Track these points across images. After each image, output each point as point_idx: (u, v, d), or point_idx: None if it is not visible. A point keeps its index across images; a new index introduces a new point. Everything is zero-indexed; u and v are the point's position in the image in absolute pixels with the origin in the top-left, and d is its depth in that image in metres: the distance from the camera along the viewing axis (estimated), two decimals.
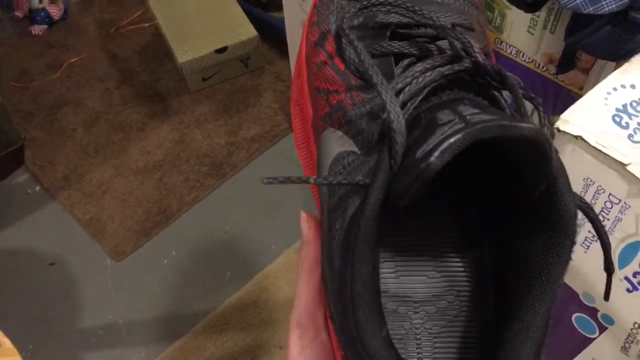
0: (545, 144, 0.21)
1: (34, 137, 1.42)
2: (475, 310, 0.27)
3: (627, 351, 0.54)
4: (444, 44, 0.28)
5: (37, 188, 1.35)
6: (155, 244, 1.26)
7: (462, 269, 0.28)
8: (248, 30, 1.46)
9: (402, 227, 0.29)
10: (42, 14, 1.62)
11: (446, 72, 0.24)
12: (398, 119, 0.23)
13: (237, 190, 1.33)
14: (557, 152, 0.23)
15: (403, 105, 0.24)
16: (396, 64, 0.27)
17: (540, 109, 0.25)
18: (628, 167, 0.50)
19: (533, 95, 0.26)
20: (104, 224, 1.29)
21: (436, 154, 0.21)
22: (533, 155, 0.22)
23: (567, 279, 0.53)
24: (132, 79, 1.54)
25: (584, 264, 0.52)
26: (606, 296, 0.29)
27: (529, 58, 0.78)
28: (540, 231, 0.23)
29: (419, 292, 0.28)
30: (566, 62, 0.71)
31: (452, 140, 0.21)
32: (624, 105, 0.55)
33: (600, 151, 0.52)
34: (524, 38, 0.76)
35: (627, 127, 0.53)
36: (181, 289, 1.19)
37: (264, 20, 1.50)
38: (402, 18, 0.28)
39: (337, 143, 0.27)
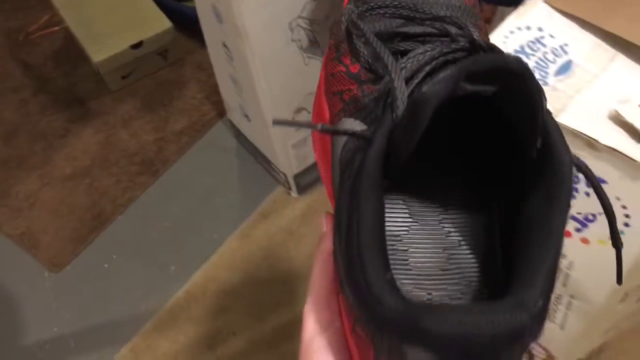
0: (531, 79, 0.23)
1: None
2: (484, 262, 0.29)
3: None
4: (445, 38, 0.29)
5: None
6: (93, 250, 1.23)
7: (470, 224, 0.30)
8: (162, 23, 1.43)
9: (411, 188, 0.31)
10: None
11: (445, 50, 0.26)
12: (399, 79, 0.25)
13: (171, 185, 1.31)
14: (550, 112, 0.24)
15: (406, 82, 0.25)
16: None
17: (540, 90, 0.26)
18: None
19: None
20: (37, 237, 1.24)
21: (429, 84, 0.22)
22: (524, 104, 0.23)
23: None
24: (48, 85, 1.49)
25: None
26: (619, 278, 0.30)
27: None
28: (539, 186, 0.24)
29: (430, 244, 0.29)
30: None
31: (442, 74, 0.22)
32: (521, 46, 0.57)
33: None
34: None
35: None
36: (126, 291, 1.17)
37: (178, 10, 1.47)
38: (405, 22, 0.30)
39: (350, 127, 0.29)
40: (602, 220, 0.56)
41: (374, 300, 0.22)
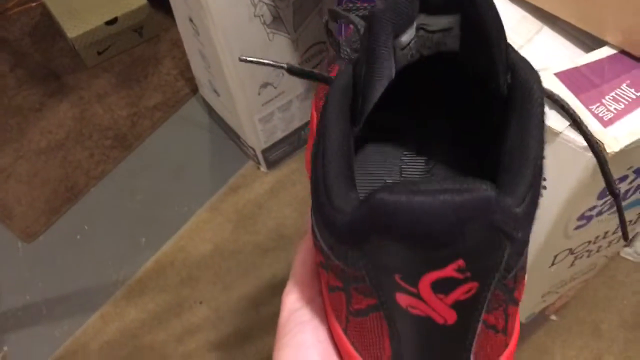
0: (486, 5, 0.23)
1: None
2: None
3: None
4: None
5: None
6: (66, 221, 1.26)
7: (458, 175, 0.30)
8: (137, 0, 1.45)
9: (401, 146, 0.32)
10: None
11: None
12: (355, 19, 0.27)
13: (144, 159, 1.34)
14: (514, 50, 0.25)
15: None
16: None
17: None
18: None
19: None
20: (11, 208, 1.27)
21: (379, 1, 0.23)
22: (485, 35, 0.24)
23: None
24: (24, 61, 1.51)
25: None
26: (624, 235, 0.29)
27: None
28: (514, 115, 0.24)
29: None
30: None
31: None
32: None
33: None
34: None
35: None
36: (97, 261, 1.20)
37: None
38: None
39: None
40: None
41: (334, 213, 0.22)
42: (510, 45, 0.24)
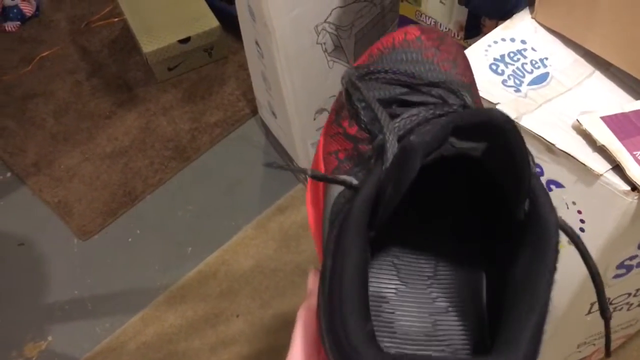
0: (515, 134, 0.23)
1: (6, 127, 1.48)
2: (471, 329, 0.28)
3: None
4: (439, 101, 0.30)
5: (8, 174, 1.41)
6: (120, 224, 1.32)
7: (458, 289, 0.30)
8: (210, 21, 1.52)
9: (400, 249, 0.31)
10: (15, 10, 1.68)
11: (438, 112, 0.27)
12: (391, 134, 0.25)
13: (200, 172, 1.39)
14: (538, 177, 0.25)
15: (400, 140, 0.26)
16: None
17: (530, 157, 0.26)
18: (497, 107, 0.57)
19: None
20: (71, 206, 1.34)
21: (417, 133, 0.23)
22: (511, 162, 0.24)
23: None
24: (101, 70, 1.60)
25: None
26: (607, 351, 0.29)
27: (445, 27, 0.84)
28: (526, 246, 0.24)
29: (416, 309, 0.29)
30: (472, 27, 0.77)
31: (430, 125, 0.24)
32: (502, 56, 0.61)
33: None
34: (438, 9, 0.83)
35: (502, 74, 0.60)
36: (144, 264, 1.25)
37: (227, 12, 1.56)
38: (403, 88, 0.31)
39: (340, 188, 0.29)
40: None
41: (351, 350, 0.21)
42: (535, 174, 0.25)
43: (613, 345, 0.89)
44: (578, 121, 0.54)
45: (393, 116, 0.28)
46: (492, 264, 0.29)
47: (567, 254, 0.61)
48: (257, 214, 1.30)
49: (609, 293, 0.66)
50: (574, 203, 0.55)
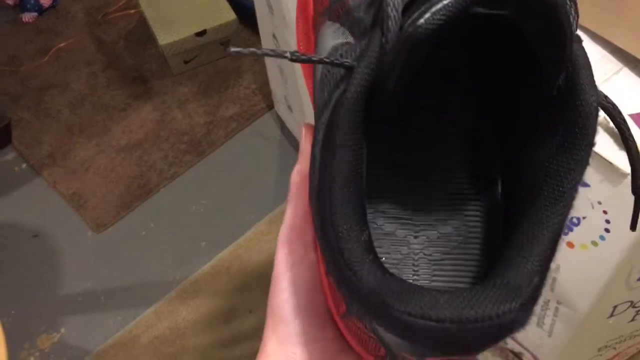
0: (561, 9, 0.18)
1: (21, 118, 1.48)
2: (484, 238, 0.25)
3: None
4: None
5: (24, 165, 1.41)
6: (134, 217, 1.31)
7: (471, 192, 0.25)
8: (227, 14, 1.51)
9: (408, 142, 0.27)
10: (32, 1, 1.68)
11: None
12: None
13: (214, 166, 1.38)
14: (580, 40, 0.20)
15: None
16: None
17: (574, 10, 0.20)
18: None
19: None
20: (86, 198, 1.34)
21: (427, 15, 0.18)
22: (550, 30, 0.19)
23: None
24: (117, 62, 1.59)
25: None
26: (633, 224, 0.25)
27: None
28: (554, 133, 0.20)
29: (421, 214, 0.25)
30: None
31: (445, 1, 0.18)
32: None
33: None
34: None
35: None
36: (158, 258, 1.24)
37: (244, 5, 1.55)
38: None
39: (333, 36, 0.24)
40: (585, 224, 0.57)
41: (346, 267, 0.19)
42: (578, 37, 0.19)
43: (633, 351, 0.87)
44: (605, 118, 0.52)
45: None
46: (509, 151, 0.24)
47: (589, 256, 0.59)
48: (271, 209, 1.29)
49: (633, 296, 0.64)
50: (599, 203, 0.54)
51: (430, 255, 0.25)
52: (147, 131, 1.44)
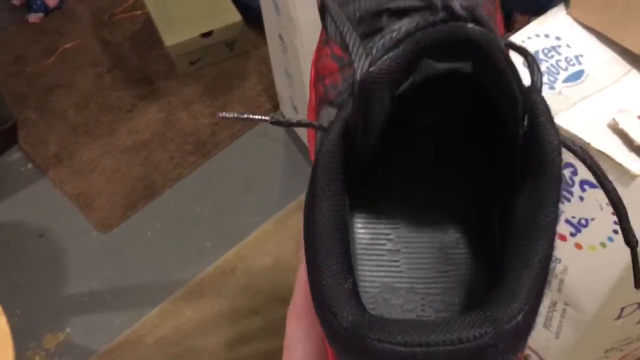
0: (508, 73, 0.20)
1: (28, 118, 1.49)
2: (473, 285, 0.25)
3: None
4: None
5: (30, 166, 1.41)
6: (140, 217, 1.31)
7: (462, 241, 0.26)
8: (233, 16, 1.51)
9: (397, 194, 0.28)
10: (39, 2, 1.68)
11: (420, 24, 0.21)
12: (360, 60, 0.21)
13: (219, 167, 1.38)
14: (539, 90, 0.22)
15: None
16: None
17: (534, 64, 0.23)
18: None
19: (524, 49, 0.24)
20: (92, 198, 1.34)
21: (377, 63, 0.20)
22: (498, 81, 0.21)
23: None
24: (123, 63, 1.60)
25: None
26: (636, 282, 0.25)
27: None
28: (526, 176, 0.21)
29: (411, 263, 0.26)
30: (505, 24, 0.75)
31: (393, 51, 0.20)
32: (536, 52, 0.60)
33: None
34: None
35: None
36: (163, 258, 1.25)
37: (250, 7, 1.55)
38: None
39: (327, 118, 0.25)
40: (594, 226, 0.57)
41: (328, 312, 0.20)
42: (538, 91, 0.21)
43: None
44: (615, 120, 0.52)
45: (374, 33, 0.24)
46: (495, 199, 0.25)
47: (597, 257, 0.59)
48: (277, 210, 1.29)
49: None
50: (608, 204, 0.54)
51: (423, 304, 0.25)
52: (152, 132, 1.45)
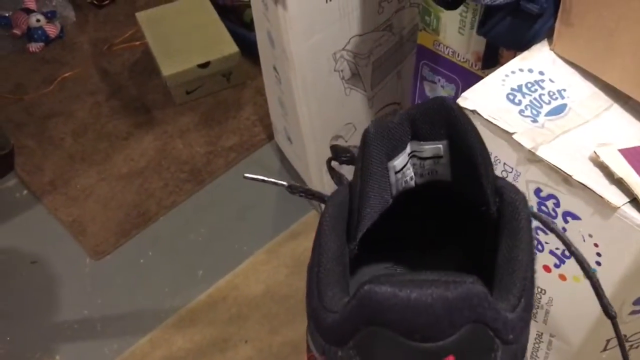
0: (484, 180, 0.26)
1: (25, 146, 1.50)
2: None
3: None
4: None
5: (25, 192, 1.42)
6: (133, 245, 1.32)
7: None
8: (230, 47, 1.54)
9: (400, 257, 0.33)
10: (40, 32, 1.71)
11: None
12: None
13: (214, 195, 1.39)
14: (503, 177, 0.28)
15: None
16: None
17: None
18: (514, 136, 0.56)
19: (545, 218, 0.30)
20: (86, 225, 1.35)
21: (373, 123, 0.27)
22: (473, 182, 0.26)
23: None
24: (121, 92, 1.62)
25: None
26: (623, 354, 0.30)
27: (463, 57, 0.84)
28: (506, 238, 0.25)
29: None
30: (490, 58, 0.77)
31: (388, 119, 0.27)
32: (519, 86, 0.61)
33: (492, 123, 0.58)
34: (456, 38, 0.83)
35: (519, 104, 0.60)
36: (155, 286, 1.24)
37: (247, 38, 1.58)
38: None
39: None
40: None
41: (326, 313, 0.22)
42: (497, 176, 0.27)
43: None
44: (595, 153, 0.53)
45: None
46: (481, 264, 0.29)
47: (581, 288, 0.60)
48: (270, 239, 1.29)
49: (625, 330, 0.64)
50: (590, 236, 0.55)
51: None
52: (148, 160, 1.46)
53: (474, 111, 0.58)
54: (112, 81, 1.65)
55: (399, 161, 0.27)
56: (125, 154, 1.48)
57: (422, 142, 0.27)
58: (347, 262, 0.25)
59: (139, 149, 1.49)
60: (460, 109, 0.26)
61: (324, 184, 1.22)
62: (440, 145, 0.27)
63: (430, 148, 0.27)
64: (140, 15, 1.64)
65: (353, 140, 1.16)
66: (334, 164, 0.35)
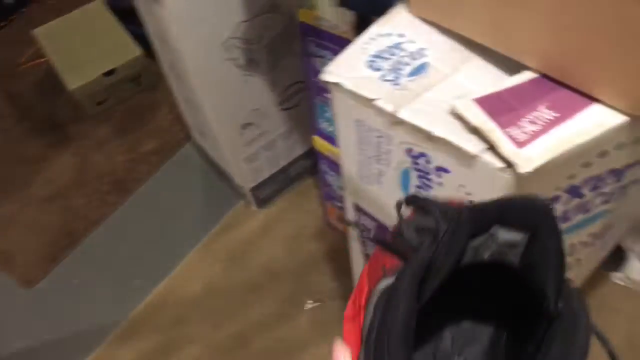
0: (552, 218, 0.28)
1: None
2: None
3: None
4: None
5: None
6: (64, 267, 1.30)
7: None
8: (133, 51, 1.51)
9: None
10: None
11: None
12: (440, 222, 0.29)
13: (140, 203, 1.37)
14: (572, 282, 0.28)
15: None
16: None
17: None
18: (375, 102, 0.58)
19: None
20: (12, 254, 1.32)
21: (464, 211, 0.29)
22: (547, 254, 0.28)
23: None
24: (30, 113, 1.58)
25: None
26: None
27: (343, 29, 0.85)
28: (558, 337, 0.27)
29: None
30: (363, 26, 0.78)
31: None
32: (380, 51, 0.62)
33: (355, 93, 0.58)
34: (330, 11, 0.83)
35: (380, 69, 0.60)
36: (93, 304, 1.23)
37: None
38: None
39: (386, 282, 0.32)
40: None
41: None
42: (568, 279, 0.28)
43: None
44: (453, 105, 0.55)
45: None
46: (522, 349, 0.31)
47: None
48: (202, 236, 1.29)
49: None
50: (461, 186, 0.56)
51: None
52: (67, 178, 1.43)
53: (336, 84, 0.59)
54: (19, 103, 1.60)
55: (479, 241, 0.29)
56: (44, 176, 1.44)
57: (504, 229, 0.29)
58: (414, 329, 0.27)
59: (57, 168, 1.45)
60: (551, 210, 0.28)
61: (245, 173, 1.22)
62: (520, 237, 0.29)
63: (511, 236, 0.29)
64: (39, 32, 1.60)
65: (265, 126, 1.16)
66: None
